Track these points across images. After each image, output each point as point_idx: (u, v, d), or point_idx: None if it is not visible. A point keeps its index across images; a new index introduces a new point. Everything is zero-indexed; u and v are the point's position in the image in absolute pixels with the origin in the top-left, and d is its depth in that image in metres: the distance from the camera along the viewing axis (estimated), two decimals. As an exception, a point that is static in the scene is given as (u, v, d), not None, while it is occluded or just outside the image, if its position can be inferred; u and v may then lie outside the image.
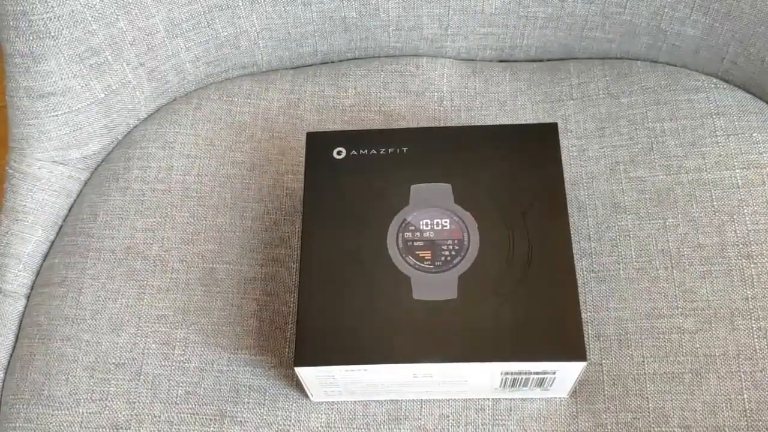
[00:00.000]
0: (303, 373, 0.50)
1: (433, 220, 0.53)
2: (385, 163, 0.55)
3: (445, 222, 0.52)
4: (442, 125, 0.65)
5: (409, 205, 0.53)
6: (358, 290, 0.51)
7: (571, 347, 0.48)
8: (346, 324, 0.50)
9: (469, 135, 0.56)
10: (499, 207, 0.53)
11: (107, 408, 0.55)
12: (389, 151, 0.55)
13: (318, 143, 0.56)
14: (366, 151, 0.55)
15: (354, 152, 0.55)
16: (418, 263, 0.51)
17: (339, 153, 0.55)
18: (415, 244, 0.52)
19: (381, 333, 0.49)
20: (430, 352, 0.48)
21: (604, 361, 0.55)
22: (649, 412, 0.53)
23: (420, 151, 0.55)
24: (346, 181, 0.54)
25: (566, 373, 0.49)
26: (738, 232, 0.58)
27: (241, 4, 0.64)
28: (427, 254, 0.52)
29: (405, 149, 0.55)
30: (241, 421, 0.54)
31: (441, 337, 0.49)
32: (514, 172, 0.54)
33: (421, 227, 0.52)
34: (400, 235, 0.52)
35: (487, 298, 0.50)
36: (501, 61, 0.70)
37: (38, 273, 0.63)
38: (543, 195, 0.53)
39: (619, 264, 0.58)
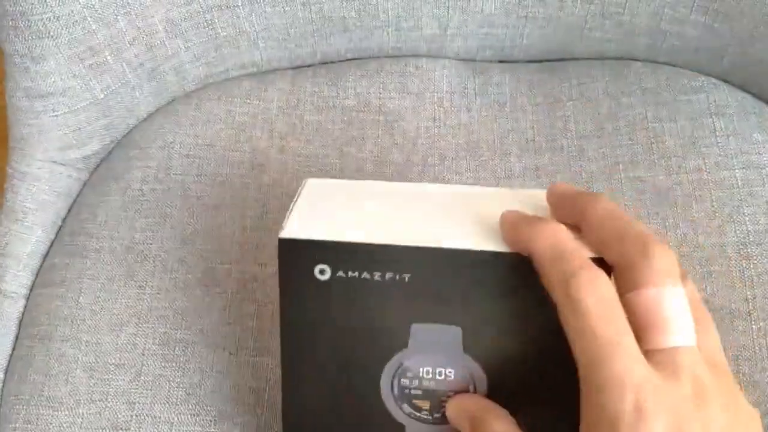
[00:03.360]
0: None
1: (435, 369, 0.44)
2: (382, 292, 0.43)
3: (450, 372, 0.44)
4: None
5: (408, 348, 0.44)
6: None
7: None
8: None
9: (483, 262, 0.43)
10: (511, 360, 0.44)
11: (107, 408, 0.55)
12: (386, 276, 0.43)
13: (295, 256, 0.43)
14: (357, 273, 0.43)
15: (341, 273, 0.43)
16: (415, 412, 0.45)
17: (322, 272, 0.43)
18: (412, 392, 0.44)
19: None
20: None
21: (603, 362, 0.55)
22: (648, 413, 0.53)
23: (424, 280, 0.43)
24: (334, 310, 0.43)
25: None
26: (738, 232, 0.58)
27: (240, 4, 0.64)
28: (425, 404, 0.45)
29: (406, 277, 0.43)
30: (240, 423, 0.54)
31: None
32: (528, 309, 0.44)
33: (421, 374, 0.44)
34: (396, 381, 0.44)
35: None
36: (501, 61, 0.70)
37: (38, 273, 0.63)
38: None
39: (618, 264, 0.58)
